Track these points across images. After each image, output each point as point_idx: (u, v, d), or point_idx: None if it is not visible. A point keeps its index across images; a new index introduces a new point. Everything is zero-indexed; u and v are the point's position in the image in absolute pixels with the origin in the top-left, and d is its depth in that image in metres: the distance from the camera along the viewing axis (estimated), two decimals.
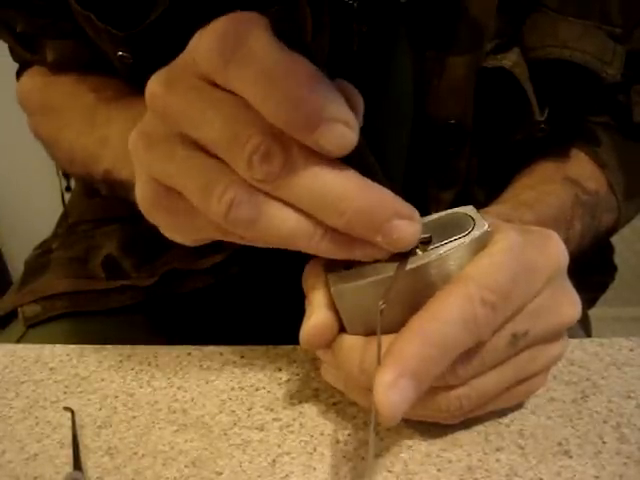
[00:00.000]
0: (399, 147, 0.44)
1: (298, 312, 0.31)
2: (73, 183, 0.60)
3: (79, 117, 0.47)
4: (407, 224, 0.26)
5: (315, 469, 0.32)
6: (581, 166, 0.48)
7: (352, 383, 0.31)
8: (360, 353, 0.29)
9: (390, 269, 0.28)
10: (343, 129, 0.24)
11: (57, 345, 0.42)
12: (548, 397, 0.35)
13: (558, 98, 0.44)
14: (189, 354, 0.40)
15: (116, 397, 0.37)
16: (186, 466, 0.33)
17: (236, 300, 0.52)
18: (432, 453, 0.32)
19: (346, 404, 0.35)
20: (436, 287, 0.28)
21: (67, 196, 0.61)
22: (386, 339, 0.27)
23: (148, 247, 0.50)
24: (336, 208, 0.25)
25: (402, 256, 0.28)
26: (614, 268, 0.59)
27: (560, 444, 0.32)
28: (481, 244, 0.29)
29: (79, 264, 0.52)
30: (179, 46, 0.27)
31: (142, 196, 0.30)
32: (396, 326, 0.28)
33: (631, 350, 0.38)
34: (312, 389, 0.37)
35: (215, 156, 0.26)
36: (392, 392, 0.25)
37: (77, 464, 0.32)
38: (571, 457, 0.32)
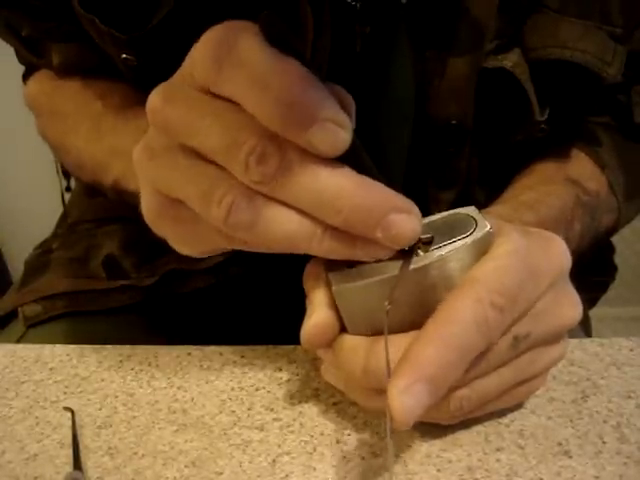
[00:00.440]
0: (400, 147, 0.44)
1: (299, 312, 0.31)
2: (73, 183, 0.60)
3: (86, 124, 0.47)
4: (405, 218, 0.26)
5: (315, 469, 0.32)
6: (581, 166, 0.48)
7: (353, 383, 0.31)
8: (362, 353, 0.29)
9: (391, 269, 0.28)
10: (335, 129, 0.24)
11: (57, 345, 0.42)
12: (548, 397, 0.35)
13: (558, 98, 0.44)
14: (189, 354, 0.40)
15: (116, 397, 0.37)
16: (186, 466, 0.33)
17: (236, 300, 0.52)
18: (432, 453, 0.32)
19: (346, 404, 0.35)
20: (438, 288, 0.28)
21: (67, 196, 0.61)
22: (389, 339, 0.27)
23: (149, 247, 0.50)
24: (333, 206, 0.25)
25: (404, 256, 0.28)
26: (614, 268, 0.59)
27: (560, 444, 0.32)
28: (483, 245, 0.29)
29: (79, 264, 0.52)
30: (183, 49, 0.27)
31: (147, 208, 0.30)
32: (398, 326, 0.28)
33: (631, 350, 0.38)
34: (312, 389, 0.37)
35: (215, 163, 0.26)
36: (407, 397, 0.25)
37: (77, 464, 0.32)
38: (571, 457, 0.32)
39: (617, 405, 0.35)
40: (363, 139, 0.26)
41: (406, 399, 0.25)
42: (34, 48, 0.49)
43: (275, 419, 0.35)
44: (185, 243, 0.31)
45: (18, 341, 0.49)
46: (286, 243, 0.27)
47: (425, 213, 0.29)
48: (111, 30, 0.41)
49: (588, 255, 0.49)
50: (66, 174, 0.60)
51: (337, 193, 0.25)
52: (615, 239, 0.54)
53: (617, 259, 0.58)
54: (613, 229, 0.50)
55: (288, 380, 0.38)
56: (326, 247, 0.27)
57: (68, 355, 0.41)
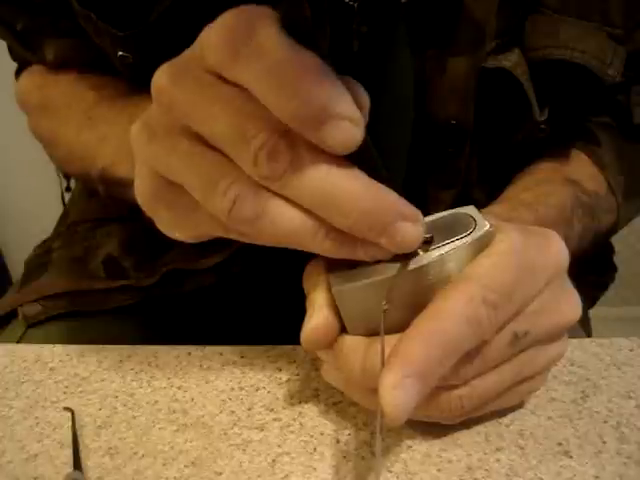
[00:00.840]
0: (400, 147, 0.44)
1: (299, 312, 0.31)
2: (73, 183, 0.60)
3: (78, 115, 0.47)
4: (411, 226, 0.26)
5: (315, 469, 0.32)
6: (581, 167, 0.48)
7: (353, 383, 0.31)
8: (362, 354, 0.29)
9: (391, 270, 0.28)
10: (349, 126, 0.24)
11: (57, 345, 0.42)
12: (548, 397, 0.35)
13: (558, 98, 0.44)
14: (189, 354, 0.40)
15: (116, 397, 0.37)
16: (186, 466, 0.33)
17: (237, 300, 0.52)
18: (432, 453, 0.32)
19: (346, 404, 0.35)
20: (438, 287, 0.28)
21: (67, 196, 0.61)
22: (388, 340, 0.27)
23: (149, 246, 0.50)
24: (342, 209, 0.25)
25: (404, 256, 0.28)
26: (614, 268, 0.59)
27: (560, 444, 0.32)
28: (483, 244, 0.29)
29: (79, 264, 0.52)
30: (179, 46, 0.27)
31: (142, 190, 0.29)
32: (398, 326, 0.28)
33: (631, 350, 0.38)
34: (312, 389, 0.37)
35: (219, 151, 0.26)
36: (397, 392, 0.25)
37: (77, 464, 0.32)
38: (571, 457, 0.32)
39: (617, 405, 0.35)
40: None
41: (397, 395, 0.25)
42: (28, 43, 0.48)
43: (275, 419, 0.35)
44: (177, 227, 0.30)
45: (18, 341, 0.48)
46: (286, 239, 0.26)
47: (425, 213, 0.29)
48: (108, 27, 0.41)
49: (588, 255, 0.49)
50: (66, 174, 0.60)
51: (347, 196, 0.25)
52: (615, 239, 0.54)
53: (617, 259, 0.58)
54: (613, 229, 0.50)
55: (288, 380, 0.38)
56: (327, 246, 0.27)
57: (68, 355, 0.41)
